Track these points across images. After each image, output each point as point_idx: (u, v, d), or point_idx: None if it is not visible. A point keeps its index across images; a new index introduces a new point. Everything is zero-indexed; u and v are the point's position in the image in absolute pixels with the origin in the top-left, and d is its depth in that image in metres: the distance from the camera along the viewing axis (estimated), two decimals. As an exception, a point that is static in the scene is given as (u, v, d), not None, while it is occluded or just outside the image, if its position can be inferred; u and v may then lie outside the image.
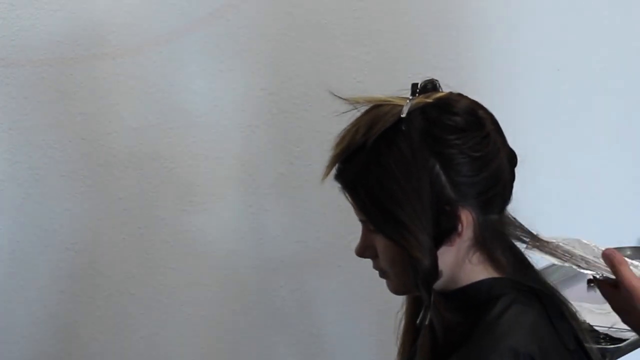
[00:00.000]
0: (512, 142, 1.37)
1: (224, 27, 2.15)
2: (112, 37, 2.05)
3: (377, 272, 1.37)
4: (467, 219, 1.28)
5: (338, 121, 1.35)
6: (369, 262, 1.39)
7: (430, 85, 1.33)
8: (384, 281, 1.39)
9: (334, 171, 1.34)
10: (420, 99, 1.29)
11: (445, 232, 1.27)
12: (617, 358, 1.99)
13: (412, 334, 1.39)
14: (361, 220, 1.34)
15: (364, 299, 2.39)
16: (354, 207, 1.33)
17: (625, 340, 1.99)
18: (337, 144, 1.32)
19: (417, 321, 1.35)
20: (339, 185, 1.34)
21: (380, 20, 2.32)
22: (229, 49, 2.17)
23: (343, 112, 1.31)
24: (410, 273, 1.28)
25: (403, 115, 1.27)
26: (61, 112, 2.03)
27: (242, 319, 2.29)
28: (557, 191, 2.67)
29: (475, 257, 1.31)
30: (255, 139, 2.23)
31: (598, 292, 2.29)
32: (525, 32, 2.57)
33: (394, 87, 1.34)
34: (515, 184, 1.37)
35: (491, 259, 1.32)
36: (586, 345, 1.34)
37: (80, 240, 2.10)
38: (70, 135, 2.05)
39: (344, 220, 1.35)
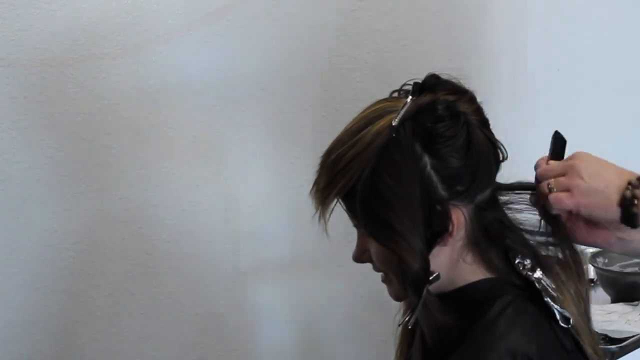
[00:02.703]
0: (511, 141, 1.37)
1: (224, 27, 2.15)
2: (112, 37, 2.05)
3: (376, 272, 1.37)
4: (458, 217, 1.28)
5: (338, 121, 1.35)
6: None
7: (433, 80, 1.32)
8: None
9: None
10: (412, 103, 1.28)
11: (437, 233, 1.27)
12: (617, 358, 1.99)
13: (409, 336, 1.39)
14: (355, 226, 1.35)
15: (364, 299, 2.39)
16: (347, 213, 1.33)
17: (625, 340, 1.98)
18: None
19: (399, 323, 1.35)
20: None
21: (380, 20, 2.31)
22: (229, 49, 2.16)
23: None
24: (399, 275, 1.27)
25: (394, 124, 1.26)
26: (61, 112, 2.03)
27: (242, 319, 2.29)
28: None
29: (469, 257, 1.31)
30: (255, 139, 2.23)
31: (598, 292, 2.29)
32: (525, 32, 2.57)
33: (394, 87, 1.34)
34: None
35: (484, 258, 1.31)
36: (583, 345, 1.34)
37: (80, 240, 2.10)
38: (70, 135, 2.05)
39: (344, 220, 1.34)
